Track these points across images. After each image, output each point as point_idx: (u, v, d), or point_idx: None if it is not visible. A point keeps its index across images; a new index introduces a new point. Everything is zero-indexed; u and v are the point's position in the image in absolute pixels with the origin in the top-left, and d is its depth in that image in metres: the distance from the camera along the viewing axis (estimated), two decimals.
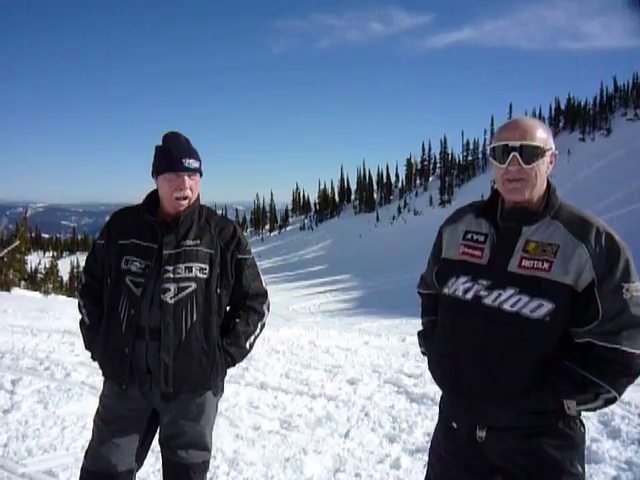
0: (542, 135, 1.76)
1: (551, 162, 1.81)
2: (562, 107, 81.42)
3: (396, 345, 8.40)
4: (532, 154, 1.73)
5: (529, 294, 1.70)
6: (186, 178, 2.29)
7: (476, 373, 1.77)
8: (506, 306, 1.73)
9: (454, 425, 1.87)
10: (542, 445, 1.73)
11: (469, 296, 1.81)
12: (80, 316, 2.48)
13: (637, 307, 1.68)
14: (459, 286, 1.84)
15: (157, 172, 2.32)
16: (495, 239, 1.83)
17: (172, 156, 2.28)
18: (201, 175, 2.38)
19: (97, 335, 2.37)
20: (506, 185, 1.79)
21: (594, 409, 1.75)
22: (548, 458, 1.73)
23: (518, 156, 1.73)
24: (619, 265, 1.68)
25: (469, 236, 1.90)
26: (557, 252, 1.70)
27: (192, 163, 2.30)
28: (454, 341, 1.85)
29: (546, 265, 1.70)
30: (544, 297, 1.69)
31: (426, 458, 2.20)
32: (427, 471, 2.09)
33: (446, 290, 1.91)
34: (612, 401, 1.71)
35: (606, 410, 4.82)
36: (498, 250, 1.80)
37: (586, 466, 3.70)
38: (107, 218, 2.51)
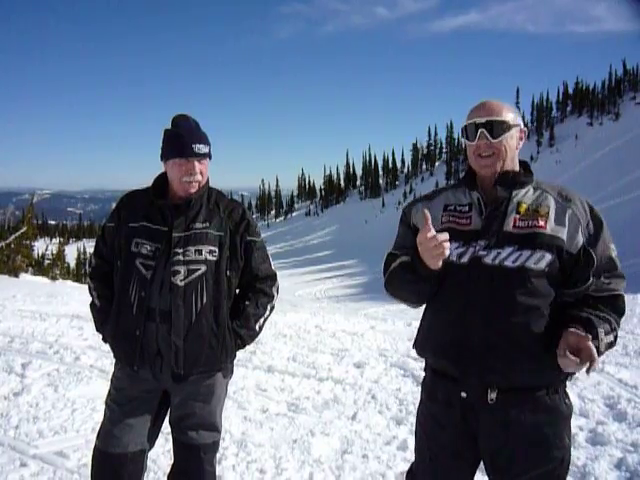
0: (508, 112, 1.87)
1: (521, 138, 1.92)
2: (570, 91, 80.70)
3: (402, 329, 8.41)
4: (499, 129, 1.84)
5: (530, 248, 1.78)
6: (196, 163, 2.28)
7: (486, 333, 1.79)
8: (508, 263, 1.79)
9: (463, 395, 1.85)
10: (538, 421, 1.80)
11: (465, 260, 1.85)
12: (90, 298, 2.49)
13: (619, 261, 1.89)
14: (452, 251, 1.83)
15: (166, 157, 2.31)
16: (483, 205, 1.89)
17: (182, 141, 2.26)
18: (210, 158, 2.37)
19: (108, 317, 2.39)
20: (478, 161, 1.89)
21: (610, 345, 1.79)
22: (540, 436, 1.80)
23: (486, 131, 1.84)
24: (604, 228, 1.85)
25: (450, 208, 1.96)
26: (549, 213, 1.82)
27: (202, 148, 2.29)
28: (458, 306, 1.85)
29: (542, 222, 1.81)
30: (543, 249, 1.78)
31: None
32: (417, 468, 2.07)
33: None
34: (615, 340, 1.81)
35: (612, 393, 4.85)
36: (491, 213, 1.86)
37: (592, 448, 3.76)
38: (113, 205, 2.50)
